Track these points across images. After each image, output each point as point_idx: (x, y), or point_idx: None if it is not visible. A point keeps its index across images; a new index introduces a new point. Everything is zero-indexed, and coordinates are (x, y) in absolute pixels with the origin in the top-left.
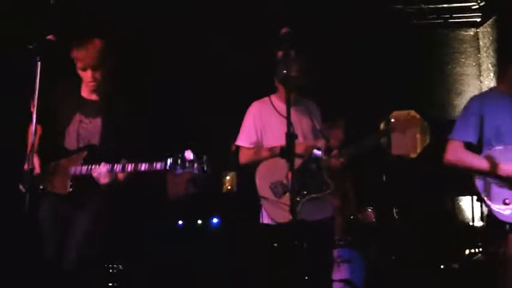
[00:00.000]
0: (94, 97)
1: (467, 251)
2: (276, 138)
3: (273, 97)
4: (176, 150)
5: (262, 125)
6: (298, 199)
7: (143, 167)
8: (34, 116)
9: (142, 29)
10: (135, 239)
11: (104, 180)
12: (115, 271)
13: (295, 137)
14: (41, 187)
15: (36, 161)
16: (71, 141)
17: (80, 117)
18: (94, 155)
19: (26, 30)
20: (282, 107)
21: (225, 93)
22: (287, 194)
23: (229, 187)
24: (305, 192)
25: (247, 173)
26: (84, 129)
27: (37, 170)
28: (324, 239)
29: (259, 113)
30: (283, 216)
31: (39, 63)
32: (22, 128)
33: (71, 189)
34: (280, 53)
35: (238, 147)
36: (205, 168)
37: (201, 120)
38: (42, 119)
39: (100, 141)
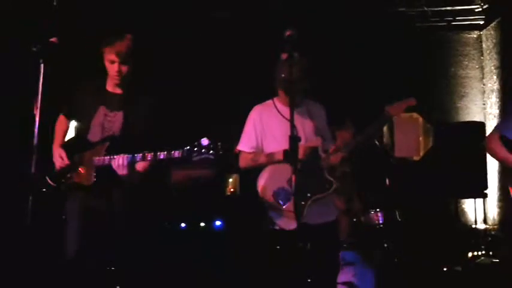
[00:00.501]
0: (118, 91)
1: (470, 254)
2: (277, 142)
3: (276, 100)
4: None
5: (263, 129)
6: (303, 203)
7: (162, 155)
8: (37, 119)
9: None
10: (138, 241)
11: (122, 171)
12: (117, 273)
13: (299, 139)
14: (67, 178)
15: (62, 153)
16: (95, 134)
17: (104, 111)
18: (116, 146)
19: (28, 31)
20: (283, 110)
21: (230, 96)
22: (291, 202)
23: (232, 189)
24: (309, 195)
25: (250, 176)
26: (108, 122)
27: (65, 161)
28: (329, 242)
29: (260, 117)
30: (290, 223)
31: (42, 65)
32: (23, 129)
33: (94, 180)
34: (284, 55)
35: (239, 151)
36: (220, 152)
37: (206, 123)
38: (69, 112)
39: (121, 132)
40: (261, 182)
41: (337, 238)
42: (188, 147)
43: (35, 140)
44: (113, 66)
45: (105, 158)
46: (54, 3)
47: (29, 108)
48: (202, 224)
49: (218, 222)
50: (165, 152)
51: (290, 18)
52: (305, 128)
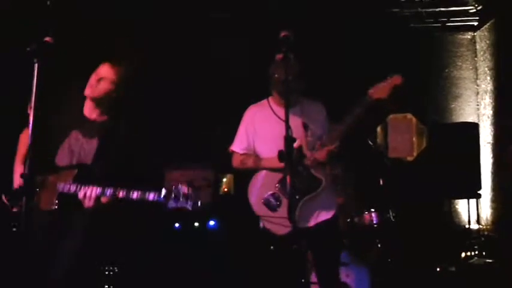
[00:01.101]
0: (95, 116)
1: (463, 254)
2: (267, 143)
3: (271, 100)
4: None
5: (254, 130)
6: (291, 206)
7: (135, 195)
8: (31, 119)
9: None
10: (132, 241)
11: (88, 203)
12: (111, 274)
13: (294, 140)
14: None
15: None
16: (62, 158)
17: (77, 135)
18: (85, 175)
19: (23, 31)
20: (277, 110)
21: (224, 95)
22: (281, 207)
23: (226, 189)
24: (297, 197)
25: (245, 175)
26: (79, 148)
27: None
28: (329, 242)
29: (252, 118)
30: (284, 229)
31: (36, 65)
32: (17, 131)
33: (56, 207)
34: (279, 56)
35: (232, 151)
36: (198, 205)
37: (200, 122)
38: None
39: (93, 161)
40: (252, 193)
41: (337, 236)
42: (165, 194)
43: (30, 140)
44: (95, 77)
45: (71, 185)
46: (48, 3)
47: (23, 108)
48: (196, 224)
49: (212, 222)
50: (140, 192)
51: (286, 18)
52: (293, 128)
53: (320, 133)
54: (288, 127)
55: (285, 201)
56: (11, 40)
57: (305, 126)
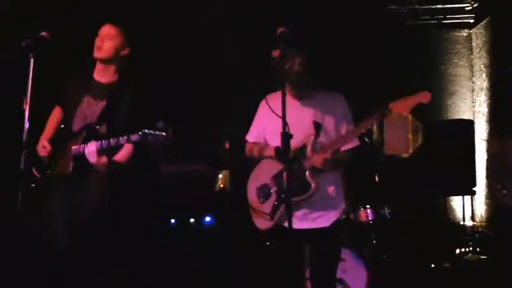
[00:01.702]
0: (104, 79)
1: (458, 251)
2: (277, 133)
3: (279, 92)
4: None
5: (265, 119)
6: (276, 203)
7: (122, 139)
8: (26, 114)
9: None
10: (127, 237)
11: (92, 158)
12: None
13: (291, 137)
14: (51, 169)
15: (45, 144)
16: (77, 123)
17: (88, 100)
18: (92, 135)
19: (23, 31)
20: (290, 101)
21: (220, 92)
22: (268, 201)
23: (221, 185)
24: (283, 196)
25: (241, 171)
26: (90, 111)
27: (48, 150)
28: (325, 251)
29: (266, 107)
30: (264, 223)
31: (32, 60)
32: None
33: (72, 169)
34: (276, 53)
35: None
36: (169, 133)
37: (195, 120)
38: (60, 103)
39: (98, 121)
40: (251, 179)
41: (335, 246)
42: (145, 130)
43: (25, 136)
44: (97, 38)
45: (80, 146)
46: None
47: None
48: (192, 220)
49: (208, 218)
50: (125, 137)
51: (282, 16)
52: (302, 122)
53: (333, 134)
54: (284, 123)
55: (273, 196)
56: (11, 40)
57: (316, 125)
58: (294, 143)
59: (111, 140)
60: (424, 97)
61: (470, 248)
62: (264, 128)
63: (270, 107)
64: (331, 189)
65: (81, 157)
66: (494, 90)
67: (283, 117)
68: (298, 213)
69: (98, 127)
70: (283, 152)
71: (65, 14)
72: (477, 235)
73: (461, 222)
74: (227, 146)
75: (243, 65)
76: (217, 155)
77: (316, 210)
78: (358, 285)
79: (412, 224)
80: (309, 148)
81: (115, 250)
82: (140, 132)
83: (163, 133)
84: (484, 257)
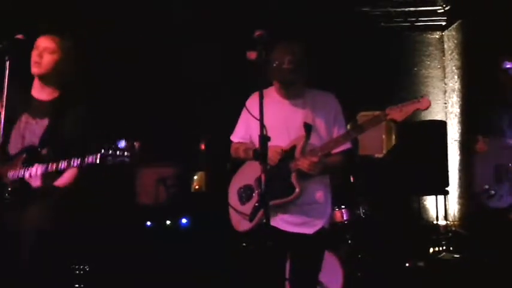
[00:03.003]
0: (44, 97)
1: (431, 250)
2: (257, 137)
3: (273, 89)
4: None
5: (252, 118)
6: (256, 204)
7: (75, 162)
8: (2, 117)
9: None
10: (103, 239)
11: (35, 183)
12: (82, 272)
13: (268, 139)
14: None
15: None
16: (15, 145)
17: (26, 118)
18: (34, 157)
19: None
20: (279, 99)
21: (196, 93)
22: (249, 202)
23: (197, 187)
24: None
25: (216, 172)
26: (29, 131)
27: None
28: (307, 258)
29: (252, 105)
30: (244, 225)
31: (7, 62)
32: None
33: (7, 195)
34: (252, 55)
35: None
36: (136, 154)
37: (170, 119)
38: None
39: (41, 141)
40: (233, 179)
41: (314, 256)
42: (102, 151)
43: (0, 139)
44: (34, 52)
45: (20, 171)
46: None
47: None
48: (168, 222)
49: (184, 220)
50: (79, 159)
51: (257, 16)
52: (289, 123)
53: (325, 135)
54: (262, 126)
55: (254, 198)
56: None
57: (307, 127)
58: (285, 144)
59: (61, 163)
60: (423, 104)
61: (444, 247)
62: (250, 128)
63: (248, 111)
64: (318, 195)
65: (20, 182)
66: (466, 92)
67: (261, 120)
68: (283, 216)
69: (39, 149)
70: (261, 155)
71: None
72: (450, 234)
73: (435, 222)
74: (203, 147)
75: (219, 65)
76: (193, 156)
77: (302, 216)
78: (334, 285)
79: (386, 223)
80: (298, 150)
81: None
82: (99, 154)
83: (127, 153)
84: (458, 255)
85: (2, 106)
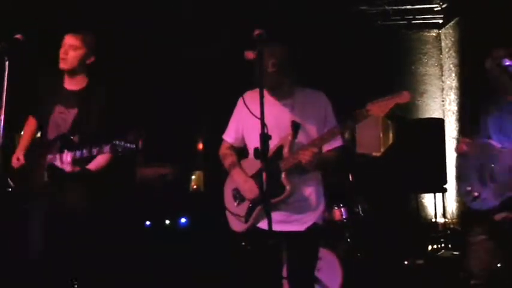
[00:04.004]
0: (75, 87)
1: (430, 247)
2: (255, 133)
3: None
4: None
5: (244, 118)
6: (250, 205)
7: (95, 151)
8: (2, 118)
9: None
10: (102, 239)
11: (67, 167)
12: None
13: (269, 138)
14: (24, 179)
15: (20, 155)
16: (51, 133)
17: (60, 109)
18: (66, 144)
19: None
20: (268, 99)
21: (194, 92)
22: (243, 203)
23: (195, 186)
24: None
25: (215, 172)
26: (62, 120)
27: (21, 161)
28: (301, 255)
29: (242, 105)
30: (240, 225)
31: (7, 62)
32: None
33: (47, 179)
34: (250, 54)
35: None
36: (138, 143)
37: (167, 119)
38: (33, 112)
39: (71, 129)
40: (228, 180)
41: (308, 252)
42: (116, 142)
43: (0, 140)
44: (61, 50)
45: (55, 156)
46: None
47: None
48: (167, 222)
49: (183, 220)
50: (98, 148)
51: (255, 15)
52: (279, 121)
53: (315, 133)
54: (263, 124)
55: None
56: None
57: (294, 126)
58: (272, 144)
59: (84, 151)
60: (403, 97)
61: (442, 245)
62: (243, 127)
63: (248, 107)
64: (308, 192)
65: (56, 167)
66: (463, 89)
67: (262, 118)
68: (274, 216)
69: (71, 137)
70: (261, 154)
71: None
72: (448, 232)
73: (433, 219)
74: (200, 146)
75: (217, 65)
76: (191, 156)
77: (293, 213)
78: (333, 283)
79: (385, 221)
80: (286, 149)
81: (95, 254)
82: (110, 144)
83: (133, 145)
84: (456, 253)
85: (1, 108)
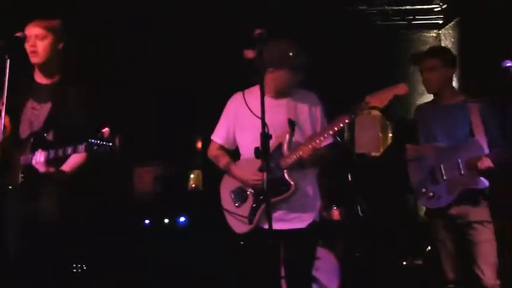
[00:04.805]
0: (46, 81)
1: (429, 247)
2: (247, 134)
3: (256, 88)
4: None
5: (236, 118)
6: (254, 205)
7: (69, 150)
8: (3, 114)
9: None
10: (101, 238)
11: (41, 168)
12: (79, 271)
13: (270, 137)
14: None
15: None
16: (24, 130)
17: (32, 104)
18: (40, 142)
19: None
20: (267, 99)
21: (192, 90)
22: (245, 204)
23: (193, 185)
24: (261, 197)
25: (213, 171)
26: (35, 116)
27: None
28: (300, 253)
29: (236, 105)
30: (242, 227)
31: (8, 60)
32: None
33: (22, 180)
34: (250, 53)
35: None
36: (116, 145)
37: (166, 118)
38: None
39: (45, 126)
40: (223, 181)
41: (307, 249)
42: (92, 140)
43: (0, 137)
44: (27, 43)
45: (28, 156)
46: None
47: None
48: (166, 221)
49: (182, 219)
50: (72, 147)
51: (255, 15)
52: (274, 121)
53: (309, 132)
54: (264, 123)
55: (250, 199)
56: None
57: (291, 123)
58: (271, 141)
59: (59, 151)
60: (400, 89)
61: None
62: (234, 126)
63: (248, 107)
64: (307, 189)
65: (30, 167)
66: (463, 90)
67: (262, 118)
68: (275, 214)
69: (45, 134)
70: (262, 153)
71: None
72: None
73: None
74: (199, 145)
75: (216, 64)
76: (189, 155)
77: (293, 211)
78: (332, 283)
79: (383, 221)
80: (284, 147)
81: (74, 255)
82: (85, 143)
83: (110, 143)
84: None
85: (2, 104)
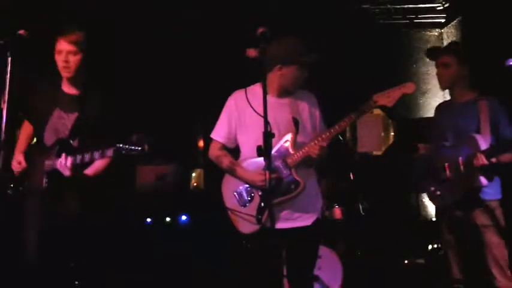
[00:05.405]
0: (73, 91)
1: (430, 246)
2: (250, 133)
3: (256, 87)
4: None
5: (238, 117)
6: (262, 204)
7: (97, 155)
8: (4, 113)
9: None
10: (103, 235)
11: (65, 172)
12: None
13: (273, 136)
14: (24, 184)
15: (20, 159)
16: (49, 138)
17: (58, 113)
18: (66, 149)
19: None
20: (268, 98)
21: (194, 90)
22: (251, 203)
23: (195, 184)
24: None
25: (215, 170)
26: (62, 124)
27: (22, 166)
28: (304, 250)
29: (237, 103)
30: (249, 227)
31: (10, 59)
32: None
33: (46, 185)
34: (252, 52)
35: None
36: (145, 148)
37: (169, 117)
38: (28, 116)
39: (71, 134)
40: (225, 181)
41: (311, 247)
42: (120, 145)
43: (2, 136)
44: (60, 57)
45: (54, 161)
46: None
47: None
48: (167, 219)
49: (184, 217)
50: (100, 152)
51: (257, 14)
52: (277, 120)
53: (310, 131)
54: (266, 122)
55: (256, 198)
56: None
57: (295, 122)
58: (273, 141)
59: (85, 155)
60: (408, 88)
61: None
62: (236, 124)
63: (251, 105)
64: (312, 187)
65: (55, 171)
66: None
67: (265, 116)
68: (281, 214)
69: (71, 141)
70: (265, 151)
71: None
72: None
73: (433, 219)
74: (201, 144)
75: (218, 62)
76: (191, 153)
77: (298, 209)
78: (334, 281)
79: (385, 220)
80: (290, 145)
81: (95, 255)
82: (114, 147)
83: (139, 148)
84: None
85: (4, 102)
